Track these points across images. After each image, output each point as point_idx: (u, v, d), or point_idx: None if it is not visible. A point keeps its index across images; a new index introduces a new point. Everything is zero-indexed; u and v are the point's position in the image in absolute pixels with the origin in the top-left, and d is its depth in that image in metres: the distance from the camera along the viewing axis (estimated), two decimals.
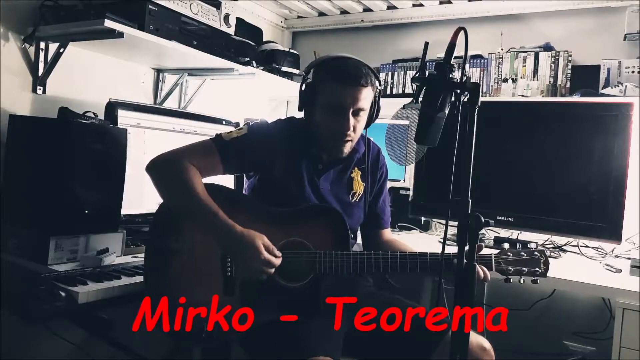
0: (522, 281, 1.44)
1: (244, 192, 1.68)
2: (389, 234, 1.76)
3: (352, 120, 1.51)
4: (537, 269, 1.44)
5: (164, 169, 1.46)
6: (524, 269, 1.44)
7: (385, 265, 1.45)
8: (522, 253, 1.45)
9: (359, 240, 1.75)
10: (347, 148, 1.56)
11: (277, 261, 1.38)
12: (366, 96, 1.51)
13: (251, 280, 1.39)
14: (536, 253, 1.46)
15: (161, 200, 1.50)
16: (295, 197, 1.54)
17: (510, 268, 1.44)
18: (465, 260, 1.06)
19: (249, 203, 1.55)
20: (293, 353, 1.33)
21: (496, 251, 1.46)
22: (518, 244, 1.49)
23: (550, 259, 1.47)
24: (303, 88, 1.56)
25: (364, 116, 1.54)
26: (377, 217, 1.72)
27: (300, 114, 1.63)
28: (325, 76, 1.52)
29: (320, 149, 1.59)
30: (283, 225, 1.47)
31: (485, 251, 1.47)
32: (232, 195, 1.59)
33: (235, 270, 1.42)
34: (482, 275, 1.40)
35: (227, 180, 1.90)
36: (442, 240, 1.18)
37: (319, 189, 1.58)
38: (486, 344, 1.45)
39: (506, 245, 1.46)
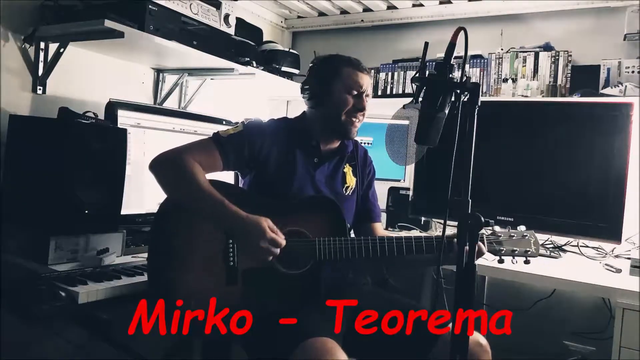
0: (514, 261, 1.48)
1: None
2: (381, 229, 1.80)
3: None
4: (528, 249, 1.48)
5: (168, 165, 1.48)
6: (516, 249, 1.48)
7: (383, 249, 1.49)
8: (512, 234, 1.50)
9: (352, 235, 1.76)
10: (356, 129, 1.65)
11: (282, 241, 1.40)
12: (370, 83, 1.67)
13: (256, 263, 1.41)
14: (526, 234, 1.50)
15: (161, 201, 1.51)
16: (292, 189, 1.58)
17: (502, 248, 1.48)
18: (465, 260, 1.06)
19: (247, 196, 1.58)
20: (293, 339, 1.32)
21: (488, 232, 1.50)
22: (508, 227, 1.52)
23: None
24: (312, 79, 1.65)
25: (367, 103, 1.66)
26: (368, 210, 1.78)
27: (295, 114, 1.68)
28: (339, 64, 1.64)
29: (323, 136, 1.65)
30: (281, 217, 1.49)
31: None
32: (231, 189, 1.60)
33: (238, 258, 1.43)
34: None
35: (227, 179, 1.90)
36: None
37: (315, 181, 1.63)
38: (482, 340, 1.46)
39: (497, 227, 1.49)
